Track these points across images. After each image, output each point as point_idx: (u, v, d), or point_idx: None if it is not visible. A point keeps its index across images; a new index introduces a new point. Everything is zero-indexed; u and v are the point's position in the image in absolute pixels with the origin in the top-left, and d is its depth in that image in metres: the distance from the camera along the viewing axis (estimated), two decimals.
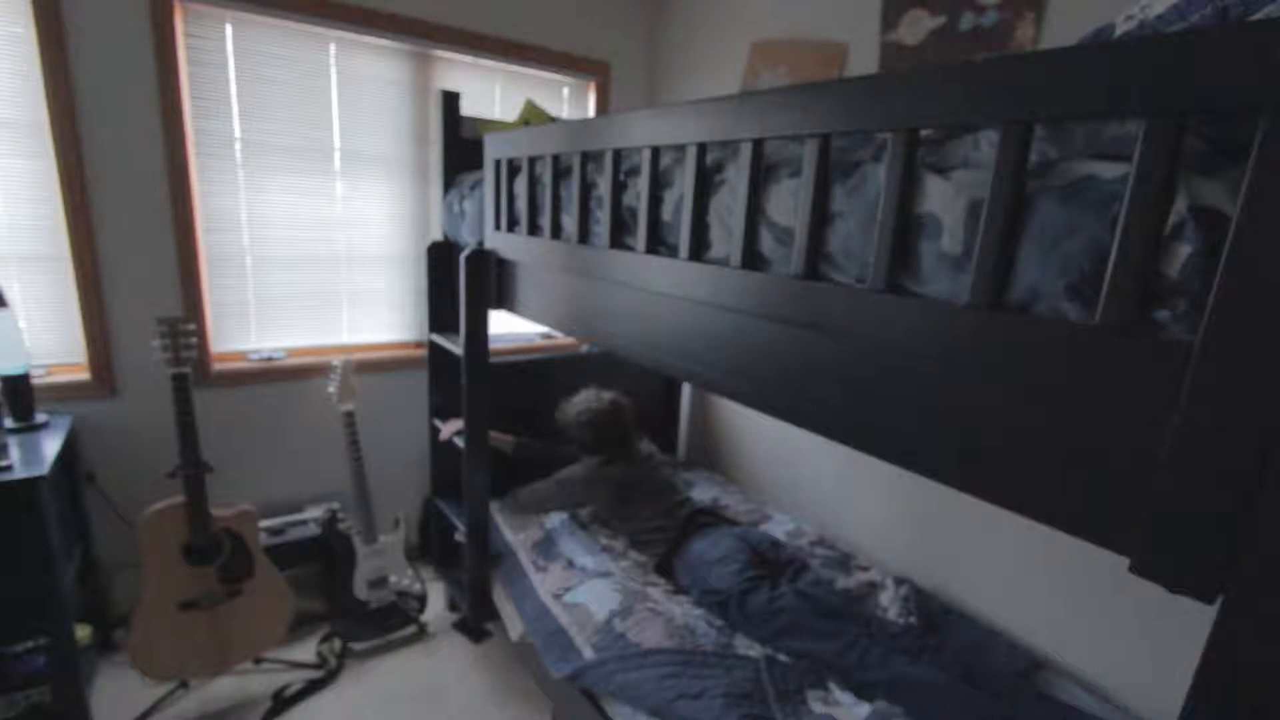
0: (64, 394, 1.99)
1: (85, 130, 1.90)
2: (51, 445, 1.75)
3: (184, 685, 1.96)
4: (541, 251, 1.53)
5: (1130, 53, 0.55)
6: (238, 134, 2.16)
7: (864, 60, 2.04)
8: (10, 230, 1.89)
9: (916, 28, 1.84)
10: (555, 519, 2.26)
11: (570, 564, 2.00)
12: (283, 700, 1.94)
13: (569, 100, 2.87)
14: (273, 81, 2.16)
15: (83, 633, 1.91)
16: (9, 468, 1.60)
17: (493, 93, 2.64)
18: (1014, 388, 0.67)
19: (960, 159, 0.75)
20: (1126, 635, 1.57)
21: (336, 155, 2.35)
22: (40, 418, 1.88)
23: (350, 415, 2.16)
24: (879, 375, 0.80)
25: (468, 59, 2.52)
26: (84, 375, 2.03)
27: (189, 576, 1.82)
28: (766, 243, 0.93)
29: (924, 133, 0.77)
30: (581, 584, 1.89)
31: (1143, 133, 0.55)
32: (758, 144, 0.92)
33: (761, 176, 0.93)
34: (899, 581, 1.91)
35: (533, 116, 2.36)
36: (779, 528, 2.29)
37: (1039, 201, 0.64)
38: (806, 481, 2.47)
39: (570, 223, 1.38)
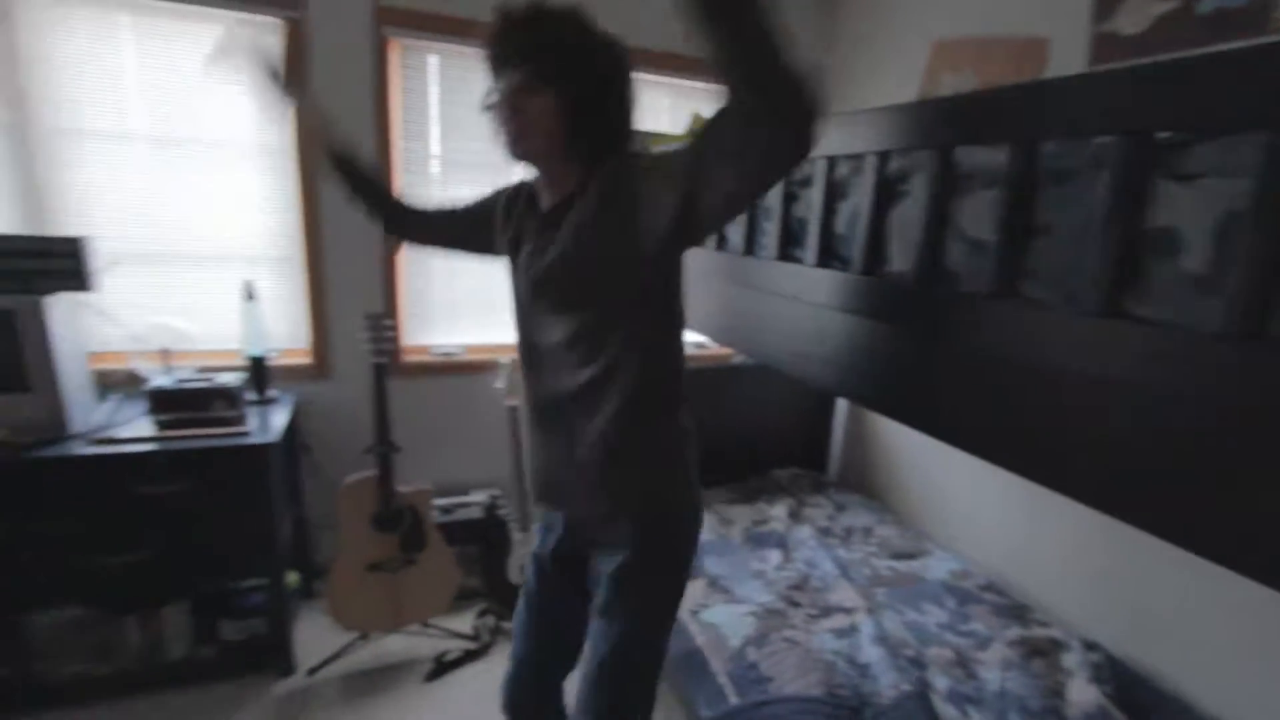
0: (290, 375, 2.35)
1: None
2: (280, 418, 2.07)
3: (364, 637, 2.22)
4: (704, 262, 1.55)
5: None
6: (435, 151, 2.42)
7: (1067, 57, 1.83)
8: (262, 237, 2.27)
9: (1140, 15, 1.61)
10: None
11: (714, 584, 1.99)
12: (443, 664, 2.12)
13: None
14: (468, 105, 2.40)
15: (291, 579, 2.22)
16: (248, 434, 1.92)
17: (658, 105, 2.72)
18: (1277, 434, 0.56)
19: (1211, 164, 0.64)
20: None
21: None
22: (272, 394, 2.23)
23: (514, 410, 2.32)
24: (1086, 410, 0.71)
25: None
26: (306, 360, 2.39)
27: (375, 542, 2.06)
28: (954, 257, 0.86)
29: (1160, 135, 0.67)
30: (719, 604, 1.87)
31: None
32: (947, 152, 0.86)
33: (952, 186, 0.87)
34: (1088, 646, 1.68)
35: (700, 128, 2.39)
36: (941, 566, 2.11)
37: None
38: (975, 515, 2.25)
39: (736, 234, 1.38)
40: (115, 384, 2.11)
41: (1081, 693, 1.54)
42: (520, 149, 1.02)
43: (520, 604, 1.30)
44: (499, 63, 0.99)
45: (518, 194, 1.18)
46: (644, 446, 1.07)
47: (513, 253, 1.13)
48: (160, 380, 1.96)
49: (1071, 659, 1.66)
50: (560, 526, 1.20)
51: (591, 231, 0.99)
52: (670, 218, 0.91)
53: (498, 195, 1.23)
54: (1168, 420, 0.64)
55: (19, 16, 1.90)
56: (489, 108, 1.04)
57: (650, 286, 1.02)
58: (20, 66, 1.93)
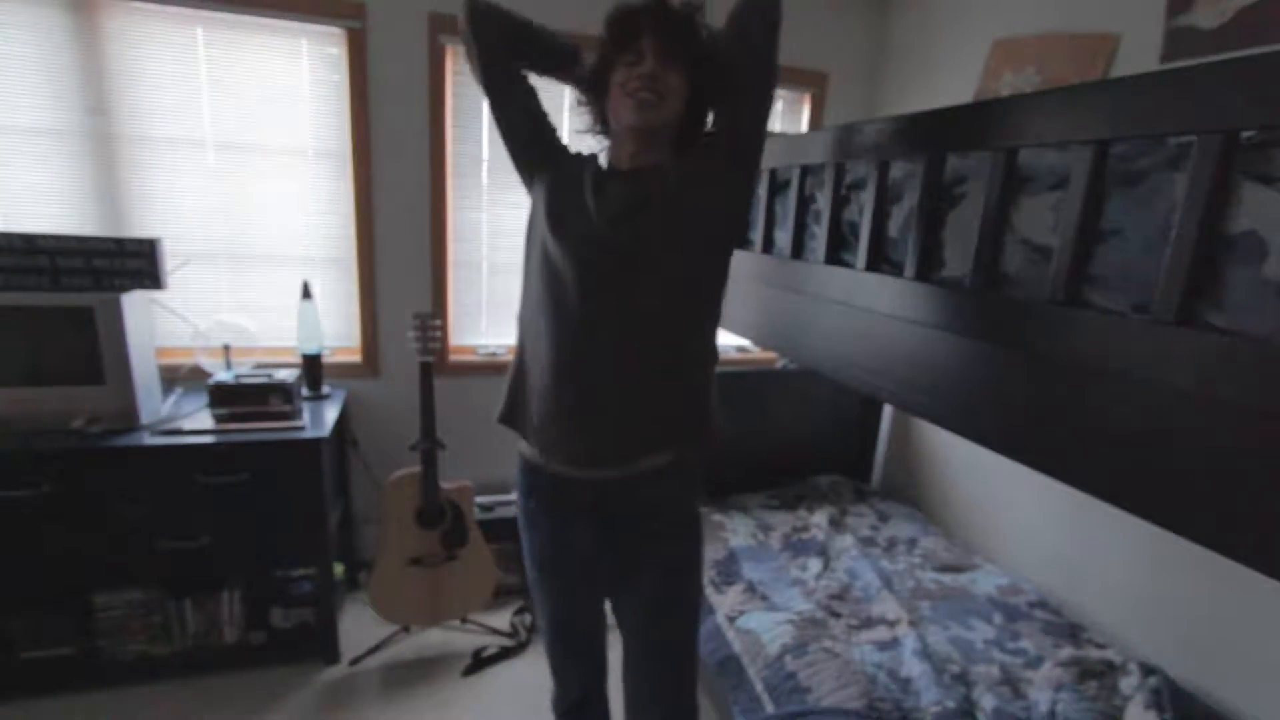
0: (341, 372, 2.42)
1: (376, 158, 2.30)
2: (331, 413, 2.13)
3: (406, 630, 2.27)
4: (749, 265, 1.53)
5: None
6: (485, 156, 2.46)
7: (1138, 53, 1.75)
8: (318, 239, 2.35)
9: (1222, 6, 1.53)
10: (738, 539, 2.24)
11: (751, 588, 1.97)
12: (480, 659, 2.15)
13: (781, 114, 2.84)
14: None
15: (338, 569, 2.29)
16: (302, 428, 1.98)
17: None
18: None
19: None
20: None
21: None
22: (325, 390, 2.30)
23: None
24: (1156, 426, 0.68)
25: None
26: (356, 358, 2.46)
27: (418, 537, 2.10)
28: (1014, 263, 0.84)
29: (1245, 135, 0.64)
30: (757, 610, 1.85)
31: None
32: (1010, 153, 0.83)
33: (1012, 188, 0.84)
34: (1147, 670, 1.60)
35: None
36: (989, 580, 2.04)
37: None
38: (1025, 530, 2.17)
39: (784, 237, 1.37)
40: (180, 378, 2.21)
41: (1139, 719, 1.47)
42: (653, 114, 1.04)
43: (552, 633, 1.31)
44: (635, 30, 1.04)
45: (587, 157, 1.20)
46: (692, 411, 1.16)
47: (574, 196, 1.14)
48: (221, 375, 2.04)
49: (1129, 683, 1.58)
50: (579, 521, 1.17)
51: (685, 177, 1.08)
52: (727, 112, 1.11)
53: (563, 144, 1.24)
54: (1246, 437, 0.60)
55: (105, 28, 2.02)
56: (591, 84, 1.13)
57: (724, 243, 1.14)
58: (103, 77, 2.05)
